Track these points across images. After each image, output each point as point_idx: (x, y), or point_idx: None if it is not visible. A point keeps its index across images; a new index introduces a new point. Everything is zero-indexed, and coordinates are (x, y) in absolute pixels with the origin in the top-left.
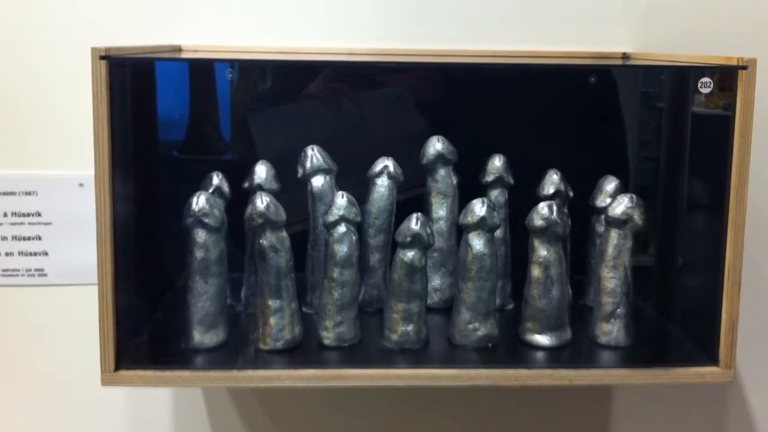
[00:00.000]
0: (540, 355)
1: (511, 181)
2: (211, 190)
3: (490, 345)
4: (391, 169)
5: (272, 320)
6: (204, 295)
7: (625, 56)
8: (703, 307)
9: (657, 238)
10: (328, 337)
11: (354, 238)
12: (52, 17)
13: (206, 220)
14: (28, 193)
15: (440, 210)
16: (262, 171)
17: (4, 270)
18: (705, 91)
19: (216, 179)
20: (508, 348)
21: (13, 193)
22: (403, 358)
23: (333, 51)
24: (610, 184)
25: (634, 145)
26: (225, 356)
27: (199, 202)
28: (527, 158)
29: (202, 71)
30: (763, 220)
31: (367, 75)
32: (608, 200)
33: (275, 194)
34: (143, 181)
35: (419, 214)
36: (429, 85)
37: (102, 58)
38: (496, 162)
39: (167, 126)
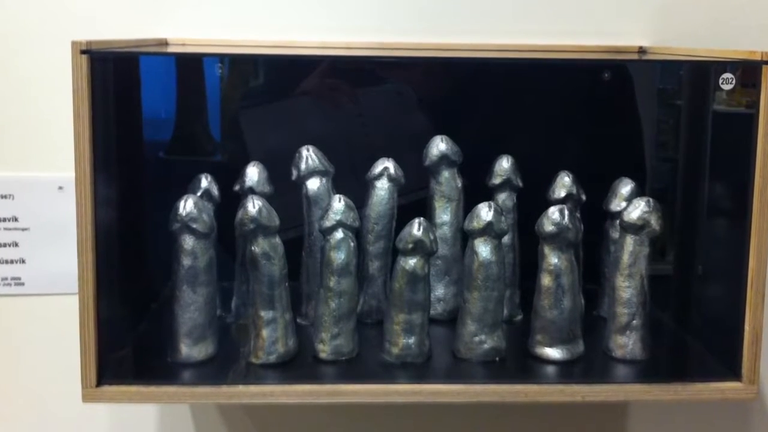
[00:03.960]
0: (550, 369)
1: (520, 184)
2: (199, 194)
3: (497, 359)
4: (392, 170)
5: (265, 332)
6: (192, 306)
7: (641, 50)
8: (724, 318)
9: (675, 244)
10: (325, 350)
11: (352, 244)
12: (29, 9)
13: (194, 226)
14: (3, 197)
15: (444, 215)
16: (254, 173)
17: None
18: (727, 87)
19: (205, 182)
20: (517, 362)
21: None
22: (404, 372)
23: (330, 45)
24: (626, 187)
25: (651, 146)
26: (214, 371)
27: (187, 206)
28: (537, 159)
29: (189, 66)
30: None
31: (366, 71)
32: (623, 204)
33: (268, 198)
34: (127, 183)
35: (421, 219)
36: (432, 82)
37: (83, 52)
38: (504, 163)
39: (153, 125)
